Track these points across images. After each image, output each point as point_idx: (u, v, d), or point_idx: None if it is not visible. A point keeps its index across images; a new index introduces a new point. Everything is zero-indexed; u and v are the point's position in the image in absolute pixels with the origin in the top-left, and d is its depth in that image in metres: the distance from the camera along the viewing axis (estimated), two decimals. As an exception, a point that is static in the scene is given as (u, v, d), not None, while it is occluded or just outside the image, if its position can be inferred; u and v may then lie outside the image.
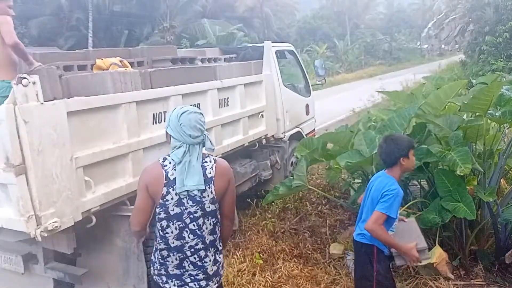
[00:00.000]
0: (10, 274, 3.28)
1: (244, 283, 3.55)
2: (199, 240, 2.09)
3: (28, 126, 2.48)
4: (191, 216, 2.06)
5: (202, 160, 2.09)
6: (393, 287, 2.70)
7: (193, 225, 2.07)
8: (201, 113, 2.08)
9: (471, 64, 15.21)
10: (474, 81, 4.71)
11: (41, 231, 2.54)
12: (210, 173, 2.07)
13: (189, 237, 2.08)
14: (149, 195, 2.06)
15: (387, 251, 2.59)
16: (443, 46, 33.94)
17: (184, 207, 2.05)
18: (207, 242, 2.12)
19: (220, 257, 2.21)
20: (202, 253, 2.11)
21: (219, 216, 2.17)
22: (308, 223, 4.75)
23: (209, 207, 2.09)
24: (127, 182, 3.17)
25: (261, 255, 4.05)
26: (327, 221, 4.75)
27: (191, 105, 3.88)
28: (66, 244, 2.87)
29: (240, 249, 4.19)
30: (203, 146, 2.10)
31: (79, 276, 3.00)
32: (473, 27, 16.19)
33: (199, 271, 2.11)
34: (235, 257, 4.01)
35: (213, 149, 2.15)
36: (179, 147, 2.04)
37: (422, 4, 42.78)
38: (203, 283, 2.12)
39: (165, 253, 2.12)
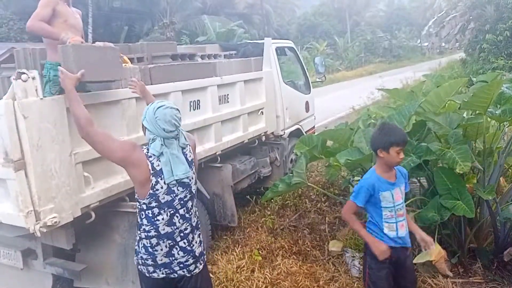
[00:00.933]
0: (9, 270, 3.28)
1: (243, 280, 3.55)
2: (188, 224, 2.20)
3: (27, 121, 2.48)
4: (182, 201, 2.17)
5: (182, 148, 2.20)
6: (386, 285, 2.63)
7: (183, 210, 2.18)
8: (177, 109, 2.16)
9: (471, 62, 15.19)
10: (474, 79, 4.69)
11: (40, 227, 2.55)
12: (190, 156, 2.22)
13: (179, 222, 2.17)
14: (127, 157, 2.11)
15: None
16: (443, 44, 33.84)
17: (174, 194, 2.14)
18: (193, 224, 2.24)
19: (200, 237, 2.32)
20: (190, 236, 2.21)
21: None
22: (307, 220, 4.75)
23: (194, 188, 2.24)
24: (126, 179, 3.14)
25: (260, 252, 4.05)
26: (326, 218, 4.76)
27: (191, 101, 3.89)
28: (65, 240, 2.87)
29: (239, 246, 4.20)
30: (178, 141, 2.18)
31: (78, 271, 3.01)
32: (473, 25, 16.13)
33: (189, 256, 2.19)
34: (234, 253, 4.01)
35: (187, 145, 2.24)
36: (154, 140, 2.11)
37: (422, 2, 42.66)
38: (192, 267, 2.20)
39: (154, 241, 2.15)
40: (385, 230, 2.55)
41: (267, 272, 3.67)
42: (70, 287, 3.41)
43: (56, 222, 2.62)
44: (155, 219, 2.13)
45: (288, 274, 3.65)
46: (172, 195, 2.13)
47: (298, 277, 3.59)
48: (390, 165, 2.54)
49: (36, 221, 2.55)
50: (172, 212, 2.14)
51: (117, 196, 3.13)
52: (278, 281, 3.56)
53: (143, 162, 2.09)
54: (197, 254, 2.24)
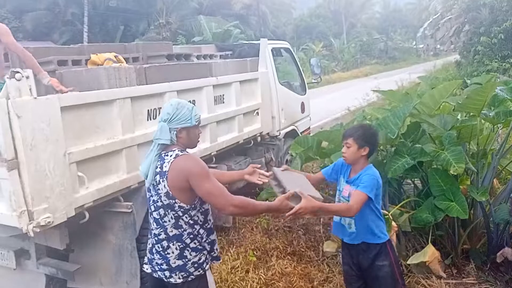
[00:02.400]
0: (2, 270, 3.25)
1: (238, 280, 3.55)
2: (161, 230, 2.15)
3: (21, 120, 2.46)
4: (155, 204, 2.15)
5: (166, 153, 2.10)
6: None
7: (156, 214, 2.16)
8: (172, 104, 2.12)
9: (466, 65, 15.28)
10: (468, 81, 4.73)
11: (33, 227, 2.52)
12: (166, 167, 2.07)
13: (153, 224, 2.19)
14: None
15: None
16: (438, 46, 34.03)
17: (150, 194, 2.17)
18: (170, 234, 2.13)
19: (191, 255, 2.13)
20: (164, 243, 2.15)
21: (181, 213, 2.10)
22: (302, 221, 4.75)
23: (165, 200, 2.09)
24: (121, 178, 3.15)
25: (255, 253, 4.05)
26: (321, 219, 4.77)
27: (187, 101, 3.88)
28: (58, 240, 2.85)
29: (234, 246, 4.19)
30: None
31: (72, 272, 2.99)
32: (468, 28, 16.26)
33: (163, 261, 2.16)
34: (229, 254, 4.01)
35: (155, 139, 2.11)
36: None
37: (418, 4, 42.85)
38: (167, 273, 2.15)
39: (148, 235, 2.26)
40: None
41: (261, 272, 3.67)
42: (63, 287, 3.39)
43: (49, 222, 2.60)
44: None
45: (283, 275, 3.66)
46: (148, 193, 2.19)
47: (293, 278, 3.59)
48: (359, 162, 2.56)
49: (30, 221, 2.53)
50: (149, 211, 2.21)
51: (111, 196, 3.11)
52: (273, 281, 3.57)
53: None
54: (172, 265, 2.12)
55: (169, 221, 2.13)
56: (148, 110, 3.44)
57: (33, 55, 3.31)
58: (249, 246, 4.17)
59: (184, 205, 2.09)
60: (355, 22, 40.24)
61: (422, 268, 3.38)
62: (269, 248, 4.14)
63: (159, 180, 2.08)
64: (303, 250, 4.13)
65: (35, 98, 2.56)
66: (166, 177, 2.06)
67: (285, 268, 3.75)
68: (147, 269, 2.26)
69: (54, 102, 2.67)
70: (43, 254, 3.14)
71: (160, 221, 2.14)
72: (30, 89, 2.55)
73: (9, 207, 2.55)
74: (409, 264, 3.40)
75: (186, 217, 2.12)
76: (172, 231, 2.13)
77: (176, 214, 2.12)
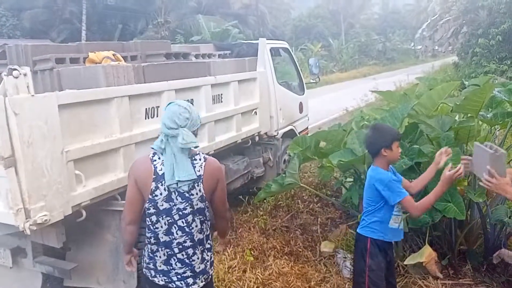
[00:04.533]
0: (-2, 268, 3.24)
1: (235, 280, 3.55)
2: (187, 238, 2.09)
3: (18, 118, 2.45)
4: (180, 212, 2.07)
5: (192, 158, 2.08)
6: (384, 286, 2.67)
7: (182, 222, 2.08)
8: (185, 108, 2.06)
9: (464, 66, 15.32)
10: (466, 82, 4.74)
11: (30, 225, 2.52)
12: (199, 171, 2.07)
13: (177, 233, 2.08)
14: (138, 188, 2.07)
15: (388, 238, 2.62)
16: (436, 47, 34.21)
17: (173, 203, 2.05)
18: (196, 240, 2.12)
19: (208, 255, 2.20)
20: (190, 251, 2.11)
21: (207, 215, 2.17)
22: (299, 221, 4.76)
23: (197, 205, 2.09)
24: (118, 177, 3.14)
25: (252, 252, 4.05)
26: (319, 219, 4.77)
27: (184, 100, 3.88)
28: (55, 238, 2.85)
29: (231, 246, 4.18)
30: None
31: (68, 270, 2.99)
32: (466, 29, 16.33)
33: (187, 269, 2.11)
34: (226, 253, 4.00)
35: (184, 145, 2.02)
36: (159, 135, 2.08)
37: (416, 5, 43.03)
38: (190, 280, 2.12)
39: (154, 247, 2.12)
40: (391, 223, 2.59)
41: (258, 272, 3.67)
42: (60, 286, 3.39)
43: (46, 220, 2.59)
44: (154, 227, 2.10)
45: (280, 275, 3.65)
46: (170, 203, 2.05)
47: (290, 278, 3.59)
48: (393, 161, 2.62)
49: (26, 219, 2.52)
50: (170, 221, 2.07)
51: (109, 195, 3.11)
52: (270, 281, 3.56)
53: (147, 171, 2.04)
54: (196, 270, 2.13)
55: (196, 226, 2.11)
56: (146, 109, 3.44)
57: (31, 53, 3.29)
58: (246, 246, 4.17)
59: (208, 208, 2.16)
60: (353, 22, 40.29)
61: (419, 268, 3.39)
62: (267, 248, 4.14)
63: (193, 185, 2.05)
64: (300, 250, 4.13)
65: (33, 95, 2.56)
66: (202, 180, 2.06)
67: (282, 268, 3.75)
68: (159, 281, 2.14)
69: (51, 100, 2.66)
70: (40, 253, 3.14)
71: (187, 229, 2.09)
72: (27, 86, 2.54)
73: (5, 205, 2.55)
74: (406, 265, 3.41)
75: (207, 220, 2.17)
76: (197, 236, 2.13)
77: (202, 219, 2.13)
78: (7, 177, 2.47)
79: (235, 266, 3.76)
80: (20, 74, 2.50)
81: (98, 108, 3.02)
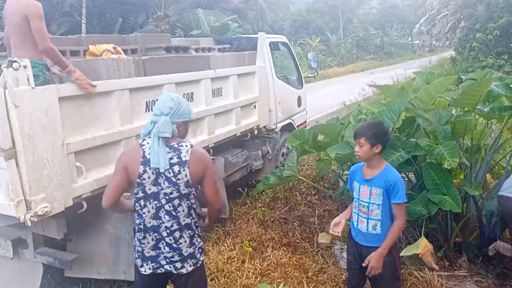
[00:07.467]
0: (-1, 259, 3.27)
1: (234, 270, 3.59)
2: (174, 221, 2.16)
3: (18, 110, 2.47)
4: (167, 197, 2.14)
5: (178, 144, 2.16)
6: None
7: (169, 206, 2.15)
8: (172, 98, 2.17)
9: (461, 61, 15.32)
10: (463, 77, 4.76)
11: (31, 216, 2.54)
12: (185, 156, 2.14)
13: (164, 218, 2.15)
14: (127, 174, 2.14)
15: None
16: (434, 42, 34.13)
17: (160, 187, 2.13)
18: (182, 224, 2.18)
19: (197, 241, 2.26)
20: (177, 234, 2.17)
21: (194, 200, 2.23)
22: (297, 213, 4.80)
23: (184, 190, 2.15)
24: (119, 169, 3.16)
25: (251, 243, 4.09)
26: (316, 211, 4.81)
27: (184, 94, 3.90)
28: (56, 229, 2.88)
29: (230, 237, 4.23)
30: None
31: (69, 261, 3.02)
32: (464, 24, 16.31)
33: (175, 253, 2.18)
34: (225, 245, 4.04)
35: (157, 132, 2.10)
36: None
37: (414, 0, 42.83)
38: (178, 264, 2.19)
39: (141, 234, 2.18)
40: (352, 219, 2.68)
41: (257, 263, 3.71)
42: (60, 276, 3.42)
43: (47, 211, 2.62)
44: (142, 211, 2.15)
45: (278, 265, 3.70)
46: (158, 187, 2.12)
47: (288, 268, 3.64)
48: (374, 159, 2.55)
49: (27, 210, 2.55)
50: (158, 205, 2.13)
51: (109, 187, 3.13)
52: (268, 272, 3.61)
53: (136, 156, 2.14)
54: (184, 254, 2.19)
55: (183, 211, 2.17)
56: (146, 102, 3.45)
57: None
58: (245, 237, 4.21)
59: (195, 194, 2.22)
60: (352, 17, 40.16)
61: (415, 260, 3.43)
62: (265, 239, 4.18)
63: (178, 170, 2.11)
64: (298, 241, 4.18)
65: (33, 88, 2.57)
66: (188, 165, 2.12)
67: (280, 258, 3.80)
68: (145, 270, 2.19)
69: (52, 92, 2.67)
70: (41, 244, 3.16)
71: (173, 212, 2.15)
72: (27, 78, 2.55)
73: (6, 197, 2.56)
74: (402, 256, 3.45)
75: (195, 206, 2.23)
76: (184, 221, 2.18)
77: (189, 204, 2.19)
78: (7, 169, 2.49)
79: (234, 257, 3.81)
80: (20, 66, 2.51)
81: (98, 100, 3.04)
